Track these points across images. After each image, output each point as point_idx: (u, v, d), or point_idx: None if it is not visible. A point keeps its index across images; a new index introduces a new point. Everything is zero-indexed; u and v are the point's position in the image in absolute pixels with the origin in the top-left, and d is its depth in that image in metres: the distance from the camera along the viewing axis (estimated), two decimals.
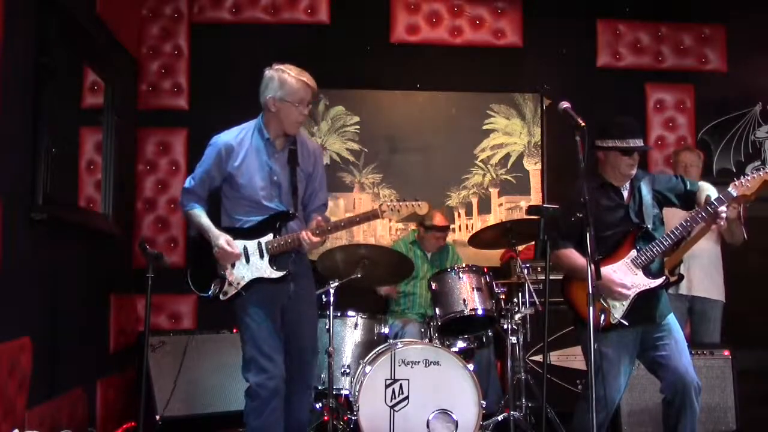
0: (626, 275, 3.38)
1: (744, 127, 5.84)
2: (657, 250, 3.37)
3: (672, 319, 3.48)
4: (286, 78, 3.30)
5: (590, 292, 3.03)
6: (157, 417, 4.34)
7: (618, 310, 3.38)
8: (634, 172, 3.48)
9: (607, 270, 3.34)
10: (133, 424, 4.53)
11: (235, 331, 4.78)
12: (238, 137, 3.41)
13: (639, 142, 3.44)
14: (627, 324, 3.36)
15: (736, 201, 4.31)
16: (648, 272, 3.39)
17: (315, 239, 3.28)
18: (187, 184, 3.47)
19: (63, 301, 3.78)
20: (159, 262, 3.70)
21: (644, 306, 3.40)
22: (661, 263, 3.52)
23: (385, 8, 5.65)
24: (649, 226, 3.42)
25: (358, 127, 5.66)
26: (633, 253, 3.40)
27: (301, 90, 3.30)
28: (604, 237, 3.39)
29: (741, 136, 5.83)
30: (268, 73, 3.36)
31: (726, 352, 4.45)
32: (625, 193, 3.52)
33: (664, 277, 3.42)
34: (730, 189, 3.32)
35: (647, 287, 3.37)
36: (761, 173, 3.28)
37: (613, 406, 3.49)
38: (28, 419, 3.24)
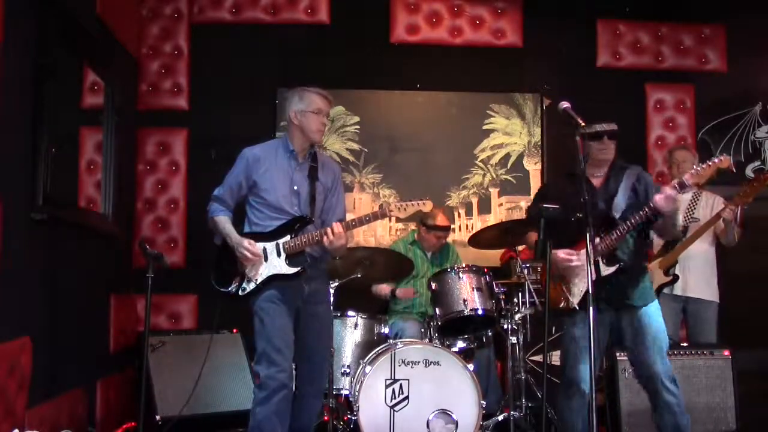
0: (586, 264, 3.39)
1: (744, 127, 5.84)
2: (613, 238, 3.42)
3: (651, 310, 3.51)
4: (305, 92, 3.59)
5: (590, 291, 3.05)
6: (157, 417, 4.34)
7: (576, 297, 3.48)
8: (608, 157, 3.55)
9: (558, 252, 3.46)
10: (133, 424, 4.53)
11: (235, 331, 4.81)
12: (265, 149, 3.65)
13: (610, 127, 3.50)
14: (578, 308, 3.46)
15: (733, 203, 4.37)
16: (609, 260, 3.44)
17: (340, 229, 3.43)
18: (216, 192, 3.65)
19: (63, 301, 3.78)
20: (159, 262, 3.74)
21: (616, 291, 3.45)
22: (631, 251, 3.53)
23: (385, 8, 5.65)
24: (615, 215, 3.45)
25: (358, 127, 5.66)
26: (596, 240, 3.42)
27: (319, 100, 3.57)
28: (570, 223, 3.42)
29: (741, 136, 5.83)
30: (290, 92, 3.64)
31: (726, 352, 4.45)
32: (597, 181, 3.57)
33: (617, 266, 3.44)
34: (684, 177, 3.30)
35: (601, 275, 3.42)
36: (714, 160, 3.27)
37: (587, 387, 3.50)
38: (28, 419, 3.25)
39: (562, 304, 3.52)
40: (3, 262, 3.06)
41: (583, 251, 3.42)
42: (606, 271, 3.45)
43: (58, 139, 3.63)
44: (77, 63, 4.28)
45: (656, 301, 3.59)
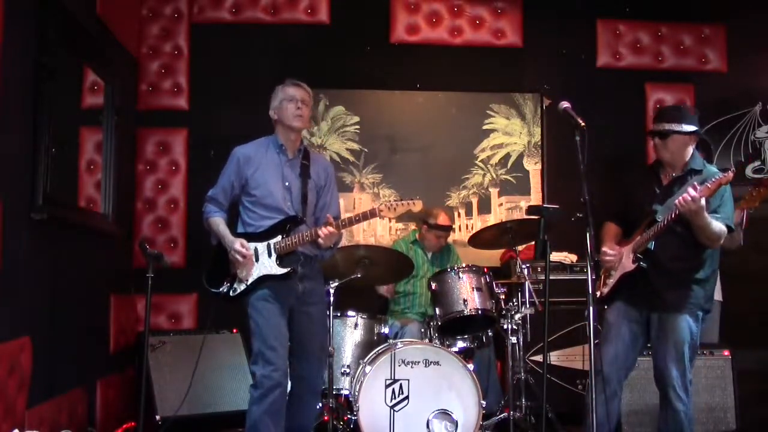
0: (627, 258, 3.52)
1: (744, 127, 5.84)
2: (644, 238, 3.47)
3: (681, 319, 3.47)
4: (277, 89, 3.67)
5: (590, 291, 3.05)
6: (157, 417, 4.34)
7: (607, 287, 3.62)
8: (664, 156, 3.57)
9: (604, 245, 3.60)
10: (133, 424, 4.53)
11: (235, 331, 4.81)
12: (256, 147, 3.68)
13: (659, 127, 3.55)
14: (600, 299, 3.62)
15: (739, 207, 4.38)
16: (635, 259, 3.49)
17: (332, 230, 3.43)
18: (210, 193, 3.68)
19: (63, 301, 3.78)
20: (159, 262, 3.74)
21: (651, 291, 3.48)
22: (673, 255, 3.49)
23: (385, 8, 5.64)
24: (659, 217, 3.45)
25: (358, 127, 5.65)
26: (638, 238, 3.51)
27: (289, 89, 3.62)
28: (632, 218, 3.56)
29: (741, 136, 5.83)
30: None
31: (726, 352, 4.45)
32: (666, 180, 3.60)
33: (636, 264, 3.47)
34: (699, 191, 3.26)
35: (627, 269, 3.51)
36: (720, 177, 3.22)
37: (612, 377, 3.54)
38: (28, 419, 3.25)
39: (599, 293, 3.65)
40: (3, 262, 3.06)
41: (625, 248, 3.55)
42: (628, 268, 3.51)
43: (58, 139, 3.62)
44: (77, 63, 4.28)
45: (700, 315, 3.53)
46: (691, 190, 3.22)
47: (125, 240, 5.05)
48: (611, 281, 3.60)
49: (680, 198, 3.24)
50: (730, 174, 3.22)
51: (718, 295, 4.75)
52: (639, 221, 3.55)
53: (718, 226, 3.35)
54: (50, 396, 3.56)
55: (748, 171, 5.79)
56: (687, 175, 3.54)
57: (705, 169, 3.55)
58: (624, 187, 3.82)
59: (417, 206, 3.51)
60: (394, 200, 3.57)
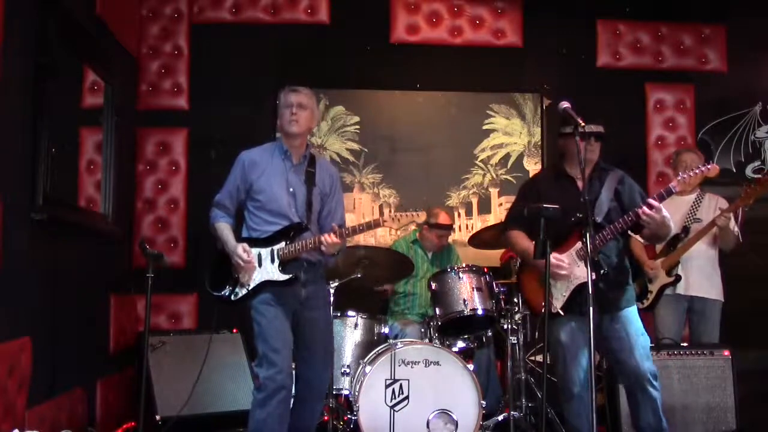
0: (576, 266, 3.44)
1: (744, 127, 5.84)
2: (596, 243, 3.36)
3: (630, 312, 3.50)
4: (280, 95, 3.66)
5: (590, 292, 3.04)
6: (157, 417, 4.34)
7: (558, 301, 3.47)
8: (593, 158, 3.54)
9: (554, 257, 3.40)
10: (133, 424, 4.53)
11: (235, 331, 4.81)
12: (261, 152, 3.68)
13: (599, 129, 3.50)
14: (561, 313, 3.45)
15: (729, 210, 4.40)
16: (592, 265, 3.30)
17: (335, 239, 3.44)
18: (216, 198, 3.69)
19: (63, 301, 3.78)
20: (159, 262, 3.75)
21: (599, 295, 3.35)
22: (615, 255, 3.52)
23: (385, 8, 5.64)
24: (598, 219, 3.42)
25: (358, 127, 5.66)
26: (578, 245, 3.42)
27: (289, 95, 3.61)
28: (557, 225, 3.35)
29: (741, 136, 5.83)
30: None
31: (726, 352, 4.44)
32: (580, 182, 3.50)
33: (602, 270, 3.38)
34: (671, 184, 3.28)
35: (583, 280, 3.33)
36: (702, 169, 3.25)
37: (580, 389, 3.51)
38: (28, 419, 3.25)
39: (553, 309, 3.49)
40: (3, 262, 3.06)
41: (564, 256, 3.46)
42: (584, 277, 3.34)
43: (58, 139, 3.63)
44: (77, 63, 4.28)
45: (636, 305, 3.59)
46: (652, 201, 3.24)
47: (125, 240, 5.05)
48: (562, 294, 3.47)
49: (644, 214, 3.23)
50: (716, 166, 3.25)
51: (718, 295, 4.75)
52: (568, 227, 3.39)
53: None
54: (50, 396, 3.56)
55: (748, 171, 5.79)
56: (602, 172, 3.57)
57: (612, 170, 3.59)
58: (538, 197, 3.52)
59: (420, 218, 3.59)
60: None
